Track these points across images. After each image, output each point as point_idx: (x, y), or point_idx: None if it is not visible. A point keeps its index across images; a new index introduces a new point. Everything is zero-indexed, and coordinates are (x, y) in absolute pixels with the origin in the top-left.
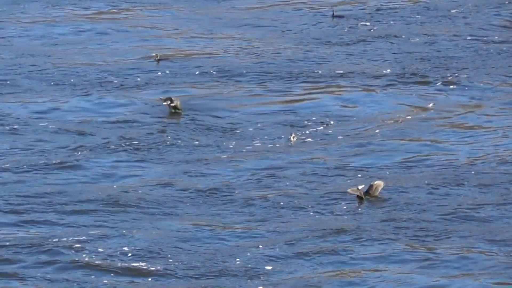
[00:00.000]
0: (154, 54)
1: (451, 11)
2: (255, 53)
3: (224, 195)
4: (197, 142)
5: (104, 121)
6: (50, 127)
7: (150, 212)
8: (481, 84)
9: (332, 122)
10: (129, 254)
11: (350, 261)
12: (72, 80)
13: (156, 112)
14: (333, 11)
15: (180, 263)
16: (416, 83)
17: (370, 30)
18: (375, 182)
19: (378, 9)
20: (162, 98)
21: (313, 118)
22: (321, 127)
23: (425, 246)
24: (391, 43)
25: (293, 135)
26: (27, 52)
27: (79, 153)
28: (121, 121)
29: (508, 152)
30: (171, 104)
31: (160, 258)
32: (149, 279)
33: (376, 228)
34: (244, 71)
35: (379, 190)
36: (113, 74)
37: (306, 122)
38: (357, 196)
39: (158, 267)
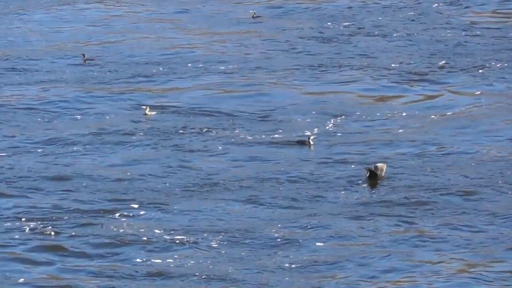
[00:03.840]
0: (82, 54)
1: None
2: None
3: (232, 182)
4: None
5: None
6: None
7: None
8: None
9: (345, 116)
10: (169, 230)
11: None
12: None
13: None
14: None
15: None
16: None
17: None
18: (378, 164)
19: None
20: (144, 106)
21: (324, 113)
22: (337, 120)
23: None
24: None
25: (311, 138)
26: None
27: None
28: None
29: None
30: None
31: (198, 232)
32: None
33: (381, 209)
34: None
35: (384, 171)
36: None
37: (314, 117)
38: (369, 175)
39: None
